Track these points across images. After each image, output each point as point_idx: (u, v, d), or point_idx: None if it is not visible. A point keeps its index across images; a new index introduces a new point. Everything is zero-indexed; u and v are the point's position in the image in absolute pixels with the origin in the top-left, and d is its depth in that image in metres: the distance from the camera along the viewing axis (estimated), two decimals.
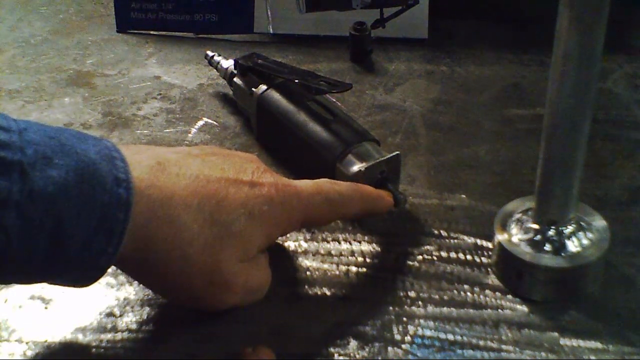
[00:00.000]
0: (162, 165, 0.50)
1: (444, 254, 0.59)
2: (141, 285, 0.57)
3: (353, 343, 0.53)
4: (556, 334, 0.53)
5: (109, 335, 0.53)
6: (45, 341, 0.53)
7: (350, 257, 0.59)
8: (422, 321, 0.54)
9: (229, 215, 0.51)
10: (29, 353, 0.52)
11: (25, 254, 0.45)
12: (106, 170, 0.47)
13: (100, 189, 0.46)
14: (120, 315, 0.55)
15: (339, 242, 0.60)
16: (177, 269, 0.50)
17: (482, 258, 0.59)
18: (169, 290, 0.52)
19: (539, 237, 0.55)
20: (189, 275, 0.50)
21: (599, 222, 0.57)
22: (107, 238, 0.46)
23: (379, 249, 0.60)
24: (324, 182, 0.56)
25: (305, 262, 0.59)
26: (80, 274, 0.48)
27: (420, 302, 0.55)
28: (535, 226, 0.56)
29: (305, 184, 0.55)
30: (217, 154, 0.55)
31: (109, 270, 0.58)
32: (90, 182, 0.46)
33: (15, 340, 0.53)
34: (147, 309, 0.55)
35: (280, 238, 0.60)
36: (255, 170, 0.54)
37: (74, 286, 0.50)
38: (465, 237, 0.60)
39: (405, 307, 0.55)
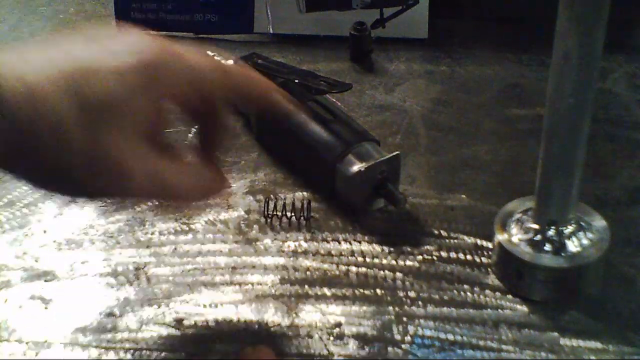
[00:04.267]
0: (24, 59, 0.45)
1: (444, 254, 0.59)
2: (141, 285, 0.57)
3: (353, 343, 0.53)
4: (556, 334, 0.53)
5: (109, 335, 0.53)
6: (45, 341, 0.53)
7: (350, 257, 0.59)
8: (422, 321, 0.54)
9: (103, 86, 0.45)
10: (29, 353, 0.52)
11: None
12: None
13: None
14: (120, 315, 0.55)
15: (339, 242, 0.60)
16: (59, 159, 0.45)
17: (482, 258, 0.59)
18: (62, 184, 0.48)
19: (539, 237, 0.55)
20: (74, 163, 0.45)
21: (599, 222, 0.57)
22: None
23: (379, 249, 0.60)
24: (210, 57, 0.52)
25: (305, 262, 0.59)
26: None
27: (420, 302, 0.55)
28: (535, 226, 0.56)
29: (191, 50, 0.50)
30: (92, 34, 0.49)
31: (109, 269, 0.58)
32: None
33: (15, 340, 0.53)
34: (147, 309, 0.55)
35: (280, 238, 0.60)
36: (129, 38, 0.48)
37: None
38: (465, 237, 0.60)
39: (405, 307, 0.55)
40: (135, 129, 0.47)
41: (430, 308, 0.55)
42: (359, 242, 0.60)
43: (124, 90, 0.46)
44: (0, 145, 0.44)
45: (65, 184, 0.47)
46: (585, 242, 0.55)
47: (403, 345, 0.52)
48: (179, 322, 0.54)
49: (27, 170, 0.47)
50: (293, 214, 0.62)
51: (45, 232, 0.62)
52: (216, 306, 0.55)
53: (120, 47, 0.47)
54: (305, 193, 0.65)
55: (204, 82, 0.50)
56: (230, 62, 0.54)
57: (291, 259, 0.59)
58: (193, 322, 0.54)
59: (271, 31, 0.87)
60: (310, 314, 0.55)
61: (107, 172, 0.46)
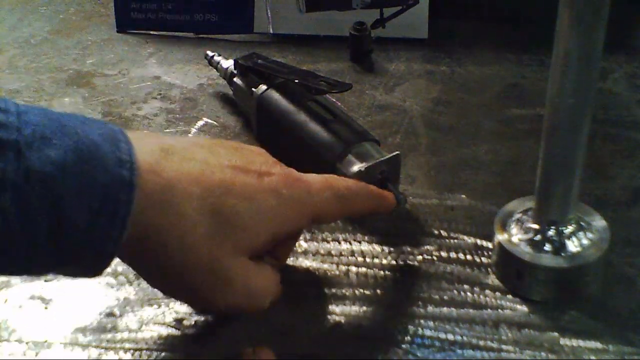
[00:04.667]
0: (165, 151, 0.49)
1: (444, 254, 0.59)
2: (141, 285, 0.57)
3: (353, 343, 0.53)
4: (556, 334, 0.53)
5: (109, 335, 0.53)
6: (45, 341, 0.53)
7: (350, 257, 0.59)
8: (422, 321, 0.54)
9: (233, 207, 0.49)
10: (29, 353, 0.52)
11: (26, 237, 0.43)
12: (108, 151, 0.45)
13: (101, 169, 0.45)
14: (120, 315, 0.55)
15: (339, 242, 0.60)
16: (175, 260, 0.48)
17: (482, 258, 0.59)
18: (168, 283, 0.51)
19: (539, 237, 0.55)
20: (187, 267, 0.48)
21: (599, 222, 0.57)
22: (110, 221, 0.45)
23: (379, 249, 0.60)
24: (333, 178, 0.55)
25: (305, 262, 0.59)
26: (88, 261, 0.46)
27: (420, 302, 0.55)
28: (535, 226, 0.56)
29: (314, 179, 0.54)
30: (225, 146, 0.53)
31: (109, 269, 0.58)
32: (91, 162, 0.44)
33: (15, 340, 0.53)
34: (147, 309, 0.55)
35: None
36: (264, 162, 0.52)
37: (84, 276, 0.48)
38: (465, 237, 0.60)
39: (405, 307, 0.55)
40: (249, 247, 0.50)
41: (430, 308, 0.55)
42: (359, 242, 0.60)
43: (250, 214, 0.49)
44: (123, 234, 0.46)
45: (176, 286, 0.51)
46: (585, 242, 0.55)
47: (403, 345, 0.52)
48: (179, 322, 0.54)
49: (139, 263, 0.50)
50: None
51: None
52: None
53: (255, 167, 0.51)
54: None
55: (319, 209, 0.53)
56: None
57: (291, 259, 0.59)
58: (193, 322, 0.54)
59: (271, 31, 0.87)
60: (310, 314, 0.55)
61: (214, 281, 0.49)
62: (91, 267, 0.47)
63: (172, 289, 0.52)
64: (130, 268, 0.52)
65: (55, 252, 0.45)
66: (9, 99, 0.45)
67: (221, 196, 0.49)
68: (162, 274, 0.50)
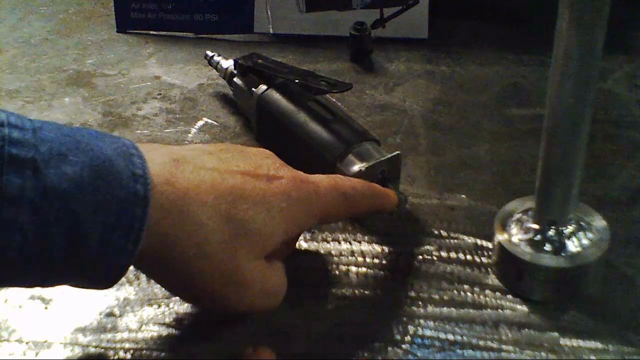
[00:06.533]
0: (176, 162, 0.50)
1: (444, 254, 0.59)
2: (141, 285, 0.57)
3: (353, 343, 0.53)
4: (556, 334, 0.53)
5: (109, 335, 0.53)
6: (45, 341, 0.53)
7: (350, 257, 0.59)
8: (422, 321, 0.54)
9: (246, 212, 0.50)
10: (29, 353, 0.52)
11: (43, 252, 0.44)
12: (123, 166, 0.46)
13: (116, 185, 0.45)
14: (120, 315, 0.55)
15: (339, 242, 0.60)
16: (193, 267, 0.49)
17: (482, 258, 0.59)
18: (187, 290, 0.51)
19: (539, 237, 0.55)
20: (206, 273, 0.49)
21: (599, 222, 0.57)
22: (125, 235, 0.46)
23: (379, 249, 0.60)
24: (339, 178, 0.56)
25: (305, 262, 0.59)
26: (101, 274, 0.47)
27: (420, 302, 0.55)
28: (535, 226, 0.56)
29: (321, 180, 0.55)
30: (232, 151, 0.54)
31: None
32: (106, 178, 0.45)
33: (15, 340, 0.53)
34: (147, 309, 0.55)
35: None
36: (272, 165, 0.53)
37: (96, 287, 0.49)
38: (465, 237, 0.60)
39: (405, 307, 0.55)
40: (264, 250, 0.51)
41: (430, 308, 0.55)
42: (359, 242, 0.60)
43: (263, 218, 0.50)
44: (143, 245, 0.47)
45: (196, 293, 0.51)
46: (585, 242, 0.55)
47: (403, 345, 0.52)
48: (179, 322, 0.54)
49: (157, 272, 0.51)
50: None
51: None
52: None
53: (264, 171, 0.52)
54: None
55: (327, 209, 0.54)
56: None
57: (291, 259, 0.59)
58: (193, 322, 0.54)
59: (271, 31, 0.87)
60: (310, 314, 0.55)
61: (233, 287, 0.50)
62: (103, 279, 0.48)
63: (191, 295, 0.52)
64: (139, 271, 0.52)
65: (71, 266, 0.46)
66: (22, 114, 0.45)
67: (233, 202, 0.50)
68: (181, 282, 0.50)
